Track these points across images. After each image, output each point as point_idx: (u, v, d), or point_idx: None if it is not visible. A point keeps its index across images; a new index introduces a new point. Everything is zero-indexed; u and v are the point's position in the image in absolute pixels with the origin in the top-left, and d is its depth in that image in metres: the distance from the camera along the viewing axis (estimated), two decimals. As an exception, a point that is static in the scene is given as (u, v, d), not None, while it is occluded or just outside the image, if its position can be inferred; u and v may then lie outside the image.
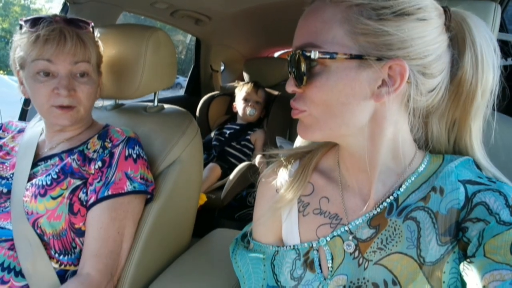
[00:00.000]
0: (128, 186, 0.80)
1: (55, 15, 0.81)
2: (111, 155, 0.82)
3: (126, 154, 0.83)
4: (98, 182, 0.80)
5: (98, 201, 0.78)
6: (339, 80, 0.47)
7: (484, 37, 0.49)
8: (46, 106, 0.79)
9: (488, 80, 0.49)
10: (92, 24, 0.88)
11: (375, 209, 0.53)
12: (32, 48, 0.77)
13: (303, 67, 0.48)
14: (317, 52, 0.47)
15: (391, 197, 0.53)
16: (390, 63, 0.46)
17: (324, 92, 0.48)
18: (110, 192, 0.79)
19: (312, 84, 0.48)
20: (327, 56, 0.46)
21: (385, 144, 0.51)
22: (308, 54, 0.47)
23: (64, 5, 1.43)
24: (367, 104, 0.48)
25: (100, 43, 0.91)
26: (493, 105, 0.52)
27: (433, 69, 0.48)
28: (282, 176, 0.63)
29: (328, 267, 0.55)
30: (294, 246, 0.59)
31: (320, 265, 0.56)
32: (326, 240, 0.56)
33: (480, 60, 0.49)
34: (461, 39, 0.49)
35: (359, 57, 0.46)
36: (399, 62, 0.45)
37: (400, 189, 0.52)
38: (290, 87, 0.52)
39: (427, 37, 0.46)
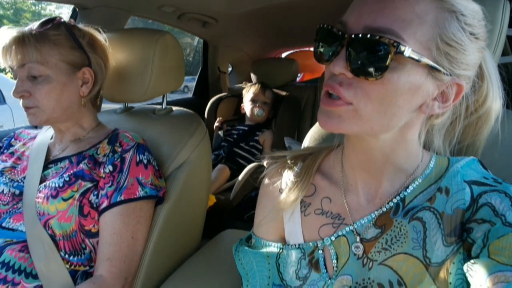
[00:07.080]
0: (140, 192, 0.81)
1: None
2: (122, 160, 0.83)
3: (137, 160, 0.84)
4: (110, 186, 0.81)
5: (110, 206, 0.79)
6: (407, 83, 0.43)
7: (495, 67, 0.52)
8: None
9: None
10: (62, 20, 0.84)
11: (381, 209, 0.53)
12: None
13: (382, 56, 0.41)
14: (408, 49, 0.41)
15: (398, 197, 0.52)
16: (457, 81, 0.45)
17: (388, 90, 0.43)
18: (122, 197, 0.79)
19: (379, 78, 0.42)
20: (416, 57, 0.41)
21: (402, 146, 0.51)
22: (395, 44, 0.40)
23: (74, 10, 1.46)
24: (413, 112, 0.47)
25: (70, 38, 0.83)
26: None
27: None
28: (285, 177, 0.63)
29: (333, 267, 0.55)
30: (299, 245, 0.59)
31: (325, 264, 0.56)
32: (331, 240, 0.56)
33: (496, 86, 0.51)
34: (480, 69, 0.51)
35: (435, 67, 0.43)
36: (462, 82, 0.45)
37: (407, 190, 0.52)
38: (341, 69, 0.44)
39: (476, 66, 0.47)
